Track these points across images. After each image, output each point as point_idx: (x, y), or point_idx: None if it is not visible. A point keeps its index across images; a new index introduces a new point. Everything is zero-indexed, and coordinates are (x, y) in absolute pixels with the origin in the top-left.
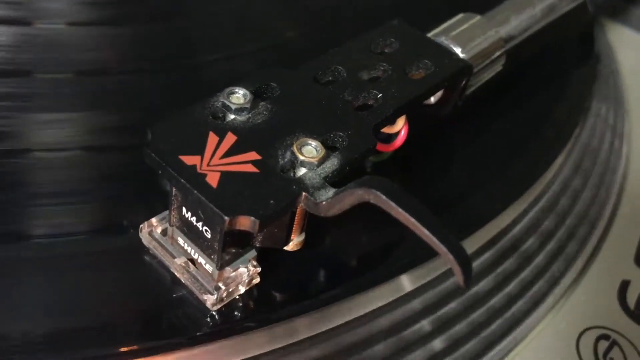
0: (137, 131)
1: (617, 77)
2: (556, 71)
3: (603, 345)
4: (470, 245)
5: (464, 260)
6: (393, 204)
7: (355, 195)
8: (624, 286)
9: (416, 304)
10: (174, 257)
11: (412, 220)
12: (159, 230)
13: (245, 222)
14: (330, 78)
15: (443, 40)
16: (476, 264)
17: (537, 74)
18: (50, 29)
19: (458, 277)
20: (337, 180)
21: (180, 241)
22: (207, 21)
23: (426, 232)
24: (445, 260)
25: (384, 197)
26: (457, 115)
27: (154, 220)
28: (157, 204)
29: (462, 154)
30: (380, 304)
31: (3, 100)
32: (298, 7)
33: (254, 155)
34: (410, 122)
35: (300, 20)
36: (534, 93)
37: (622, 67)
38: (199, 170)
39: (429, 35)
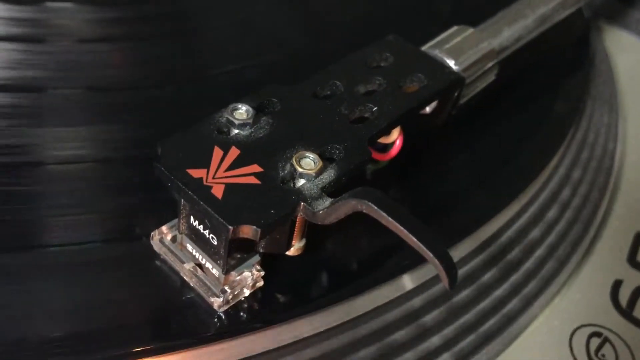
0: (148, 143)
1: (613, 80)
2: (550, 75)
3: (595, 342)
4: (466, 247)
5: (449, 265)
6: (383, 214)
7: (349, 205)
8: (617, 285)
9: (417, 302)
10: (183, 263)
11: (401, 228)
12: (169, 237)
13: (248, 231)
14: (328, 92)
15: (437, 54)
16: (472, 264)
17: (530, 79)
18: (63, 45)
19: (444, 281)
20: (334, 190)
21: (189, 247)
22: (215, 35)
23: (414, 239)
24: (432, 265)
25: (375, 207)
26: (450, 122)
27: (164, 228)
28: (168, 213)
29: (455, 159)
30: (381, 302)
31: (19, 115)
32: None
33: (256, 168)
34: (406, 131)
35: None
36: (527, 98)
37: (619, 70)
38: (205, 183)
39: (424, 48)
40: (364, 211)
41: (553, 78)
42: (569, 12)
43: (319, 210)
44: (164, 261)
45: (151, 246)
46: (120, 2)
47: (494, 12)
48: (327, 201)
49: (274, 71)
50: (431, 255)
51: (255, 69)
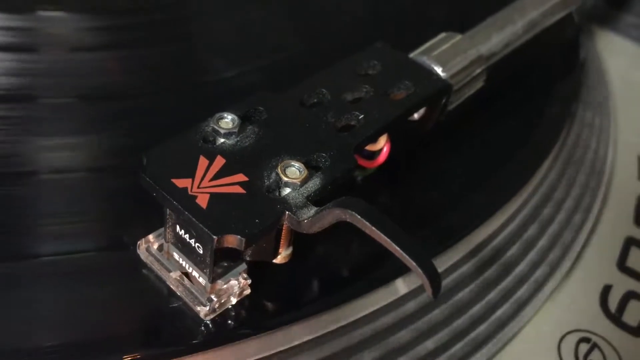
0: (136, 152)
1: (605, 84)
2: (541, 80)
3: (584, 347)
4: (456, 252)
5: (432, 275)
6: (367, 223)
7: (333, 214)
8: (606, 290)
9: (403, 310)
10: (170, 271)
11: (385, 237)
12: (155, 246)
13: (233, 241)
14: (315, 100)
15: (425, 60)
16: (461, 271)
17: (520, 83)
18: (54, 54)
19: (427, 290)
20: (319, 198)
21: (176, 256)
22: (208, 43)
23: (397, 248)
24: (416, 274)
25: (358, 216)
26: (440, 126)
27: (150, 237)
28: (155, 221)
29: (446, 163)
30: (368, 310)
31: (11, 124)
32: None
33: (241, 177)
34: (394, 138)
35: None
36: (518, 102)
37: (611, 74)
38: (190, 193)
39: (412, 55)
40: (348, 220)
41: (543, 82)
42: (559, 17)
43: (304, 220)
44: (151, 270)
45: (138, 255)
46: (112, 10)
47: (483, 18)
48: (312, 210)
49: (267, 77)
50: (414, 264)
51: (249, 75)
